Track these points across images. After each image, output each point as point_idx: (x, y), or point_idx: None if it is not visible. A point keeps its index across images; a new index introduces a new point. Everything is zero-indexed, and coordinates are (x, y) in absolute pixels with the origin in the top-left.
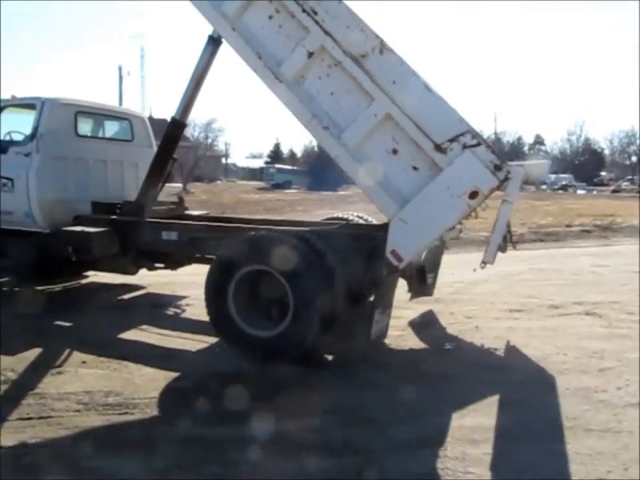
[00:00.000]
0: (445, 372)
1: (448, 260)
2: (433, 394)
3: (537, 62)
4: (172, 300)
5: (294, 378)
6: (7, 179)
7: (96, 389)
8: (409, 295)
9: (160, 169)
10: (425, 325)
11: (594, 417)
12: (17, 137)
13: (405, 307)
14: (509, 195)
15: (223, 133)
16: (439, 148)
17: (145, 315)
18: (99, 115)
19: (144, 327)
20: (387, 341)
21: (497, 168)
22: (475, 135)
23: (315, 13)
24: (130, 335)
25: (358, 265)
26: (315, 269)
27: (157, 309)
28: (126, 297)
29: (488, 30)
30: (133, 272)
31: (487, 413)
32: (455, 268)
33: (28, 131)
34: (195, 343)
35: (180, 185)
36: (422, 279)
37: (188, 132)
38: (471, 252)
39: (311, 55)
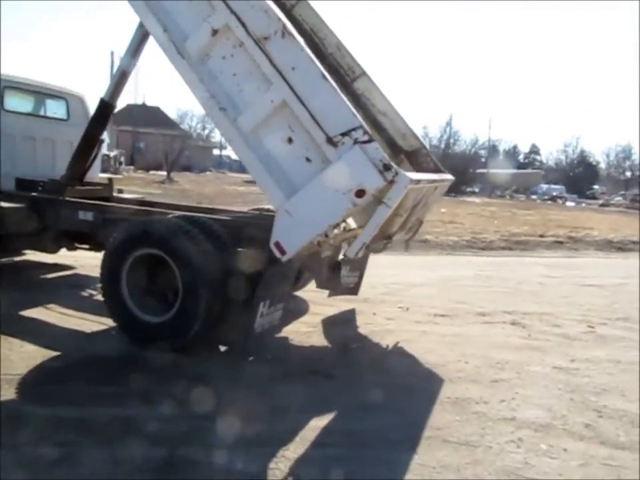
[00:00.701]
0: (331, 371)
1: (400, 260)
2: (306, 393)
3: (537, 66)
4: (94, 281)
5: (173, 367)
6: None
7: None
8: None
9: (87, 149)
10: (340, 323)
11: (459, 429)
12: None
13: (327, 304)
14: (389, 199)
15: None
16: (330, 141)
17: (60, 294)
18: (31, 91)
19: (51, 305)
20: (290, 336)
21: (386, 168)
22: (366, 131)
23: None
24: (33, 312)
25: (253, 255)
26: (207, 256)
27: (75, 289)
28: (50, 275)
29: (487, 31)
30: (54, 251)
31: (353, 416)
32: (403, 269)
33: None
34: (94, 324)
35: (164, 173)
36: (334, 276)
37: (185, 121)
38: (430, 255)
39: (215, 32)
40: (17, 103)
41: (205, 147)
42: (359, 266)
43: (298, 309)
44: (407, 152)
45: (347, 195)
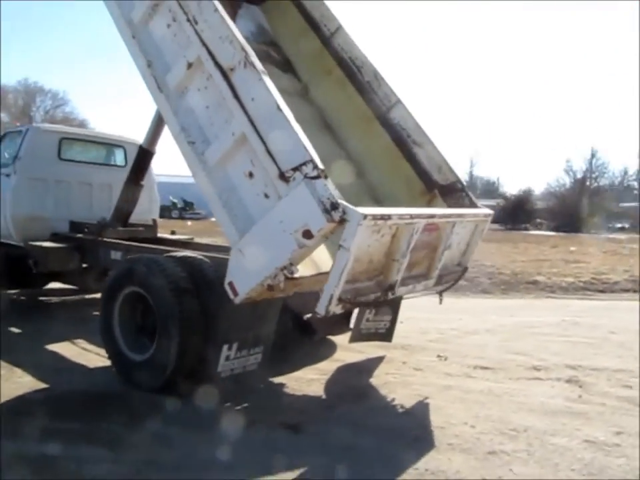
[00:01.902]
0: (304, 427)
1: (480, 304)
2: (257, 448)
3: None
4: None
5: (139, 406)
6: None
7: None
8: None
9: (130, 194)
10: (355, 372)
11: None
12: (7, 160)
13: (358, 349)
14: (344, 241)
15: None
16: (282, 176)
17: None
18: (89, 141)
19: (79, 340)
20: (290, 383)
21: (333, 207)
22: (316, 166)
23: (196, 23)
24: (57, 346)
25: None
26: (182, 295)
27: None
28: None
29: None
30: (97, 289)
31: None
32: (474, 313)
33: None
34: (104, 360)
35: None
36: (341, 321)
37: None
38: (527, 297)
39: (190, 65)
40: (73, 152)
41: None
42: (388, 310)
43: (320, 354)
44: (441, 186)
45: (293, 235)
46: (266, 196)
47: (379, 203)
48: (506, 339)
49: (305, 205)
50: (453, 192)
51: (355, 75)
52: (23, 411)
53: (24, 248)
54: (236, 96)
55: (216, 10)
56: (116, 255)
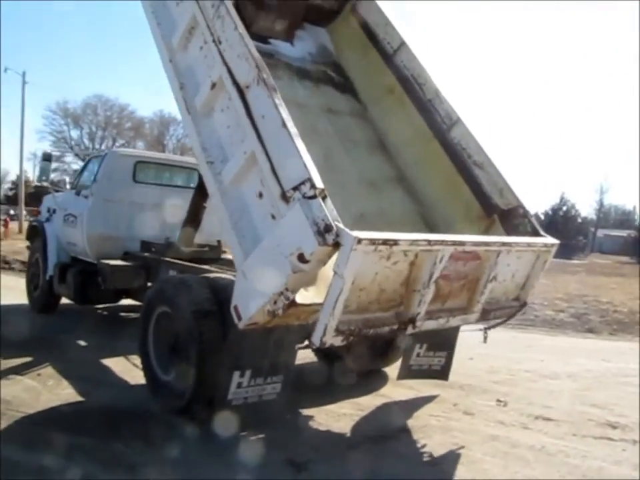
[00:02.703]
0: (311, 467)
1: (577, 344)
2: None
3: None
4: None
5: (157, 427)
6: (74, 215)
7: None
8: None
9: (194, 215)
10: (397, 411)
11: None
12: (88, 182)
13: (410, 386)
14: (337, 266)
15: None
16: (283, 196)
17: None
18: (163, 165)
19: (133, 356)
20: (318, 417)
21: (327, 229)
22: (313, 185)
23: (220, 42)
24: (111, 360)
25: None
26: (205, 318)
27: None
28: None
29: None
30: None
31: None
32: (563, 355)
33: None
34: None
35: None
36: (377, 356)
37: None
38: (626, 340)
39: (213, 85)
40: (148, 175)
41: None
42: (443, 345)
43: (367, 387)
44: (502, 211)
45: (288, 258)
46: (272, 217)
47: (432, 228)
48: (587, 387)
49: (299, 227)
50: (513, 218)
51: (416, 92)
52: (46, 423)
53: (94, 265)
54: (249, 113)
55: (235, 28)
56: (173, 274)
